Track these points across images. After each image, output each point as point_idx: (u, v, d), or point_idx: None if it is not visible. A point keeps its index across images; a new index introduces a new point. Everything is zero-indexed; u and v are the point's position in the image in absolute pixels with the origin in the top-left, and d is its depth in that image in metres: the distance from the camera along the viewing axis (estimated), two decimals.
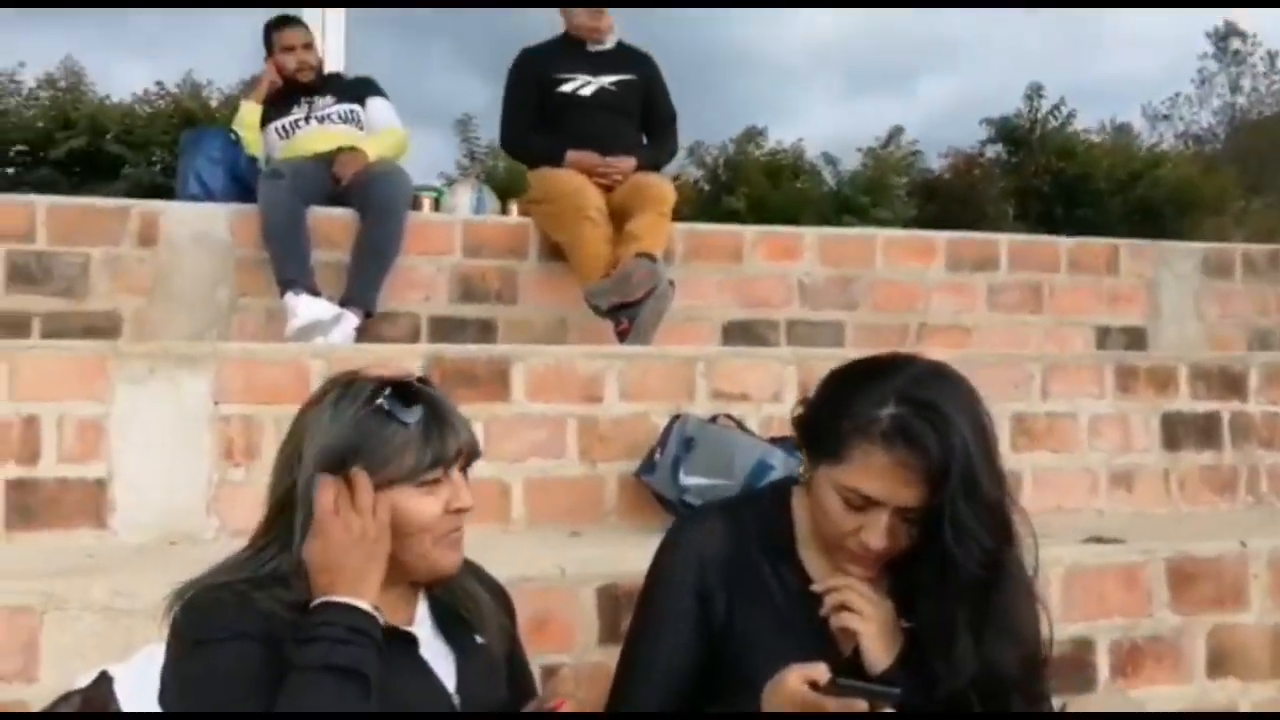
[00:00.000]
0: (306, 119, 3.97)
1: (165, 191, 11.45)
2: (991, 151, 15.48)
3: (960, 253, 4.19)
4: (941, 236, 4.22)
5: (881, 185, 14.58)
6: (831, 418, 1.34)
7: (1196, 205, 15.04)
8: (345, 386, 1.29)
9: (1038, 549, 1.41)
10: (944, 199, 13.96)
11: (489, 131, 14.54)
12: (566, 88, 3.90)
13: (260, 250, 3.49)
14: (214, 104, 12.43)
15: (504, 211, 4.23)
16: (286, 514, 1.27)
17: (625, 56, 4.05)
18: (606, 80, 3.94)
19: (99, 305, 3.40)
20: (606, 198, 3.64)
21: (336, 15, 4.51)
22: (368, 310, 3.43)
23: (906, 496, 1.29)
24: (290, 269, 3.35)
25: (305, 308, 3.22)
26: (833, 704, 1.19)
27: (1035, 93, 15.22)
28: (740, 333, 3.92)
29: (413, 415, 1.25)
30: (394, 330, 3.62)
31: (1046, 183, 14.20)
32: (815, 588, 1.41)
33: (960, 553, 1.26)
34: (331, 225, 3.59)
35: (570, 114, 3.88)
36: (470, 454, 1.32)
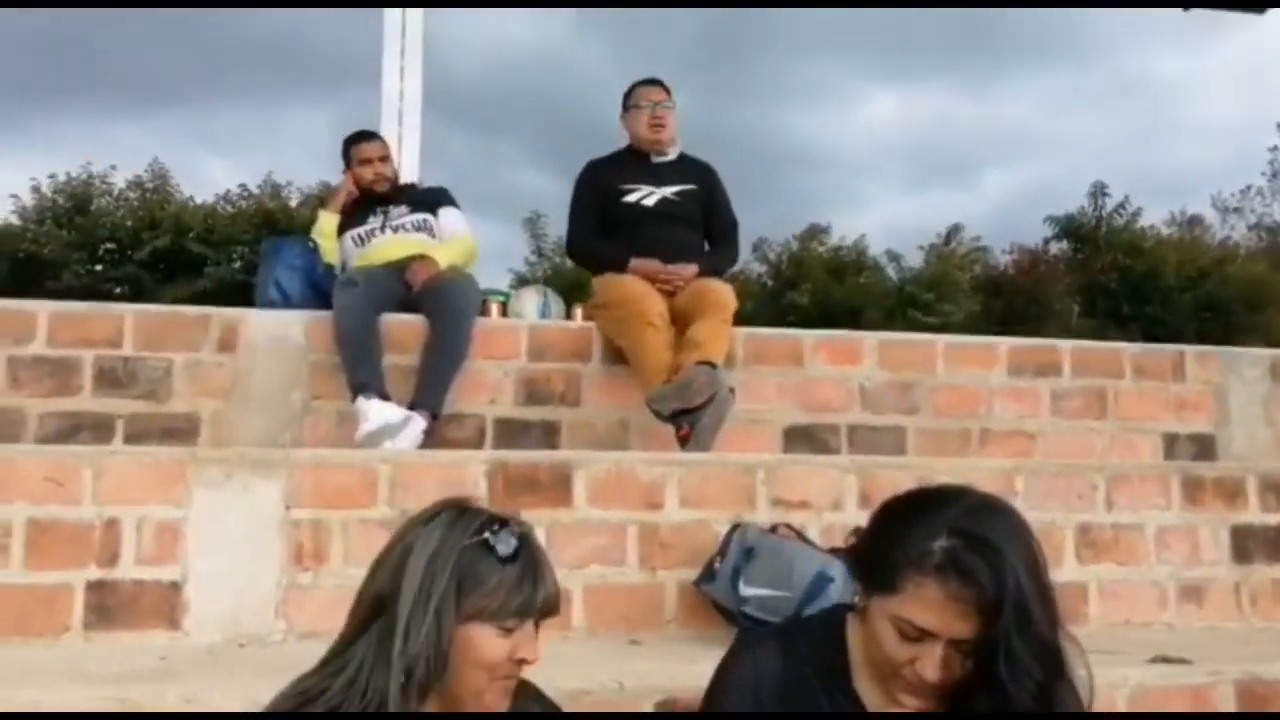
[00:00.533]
0: (381, 228, 4.13)
1: (246, 289, 11.92)
2: (1056, 248, 15.55)
3: (1022, 358, 4.19)
4: (1003, 342, 4.22)
5: (945, 281, 14.64)
6: (885, 550, 1.37)
7: (1268, 302, 14.83)
8: (459, 513, 1.35)
9: (1093, 681, 1.40)
10: (1009, 295, 13.96)
11: (556, 229, 15.07)
12: (631, 197, 4.03)
13: (333, 355, 3.62)
14: (293, 203, 13.00)
15: (569, 316, 4.33)
16: (382, 619, 1.31)
17: (687, 167, 4.17)
18: (669, 190, 4.05)
19: (179, 408, 3.53)
20: (669, 303, 3.72)
21: (412, 128, 4.72)
22: (435, 413, 3.52)
23: (960, 629, 1.30)
24: (362, 374, 3.46)
25: (376, 412, 3.32)
26: None
27: (1100, 190, 15.30)
28: (801, 437, 3.94)
29: (514, 560, 1.30)
30: (460, 432, 3.70)
31: (1113, 279, 14.14)
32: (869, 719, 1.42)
33: (1014, 686, 1.26)
34: (402, 331, 3.71)
35: (634, 223, 3.99)
36: (551, 610, 1.36)
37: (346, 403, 3.58)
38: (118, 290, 12.17)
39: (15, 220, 13.30)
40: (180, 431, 3.52)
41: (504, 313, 4.27)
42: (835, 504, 2.87)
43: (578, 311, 4.26)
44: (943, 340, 4.18)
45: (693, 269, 3.88)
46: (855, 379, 4.04)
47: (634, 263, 3.87)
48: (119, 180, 13.15)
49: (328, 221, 4.15)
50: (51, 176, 13.27)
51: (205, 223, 12.47)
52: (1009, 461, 3.27)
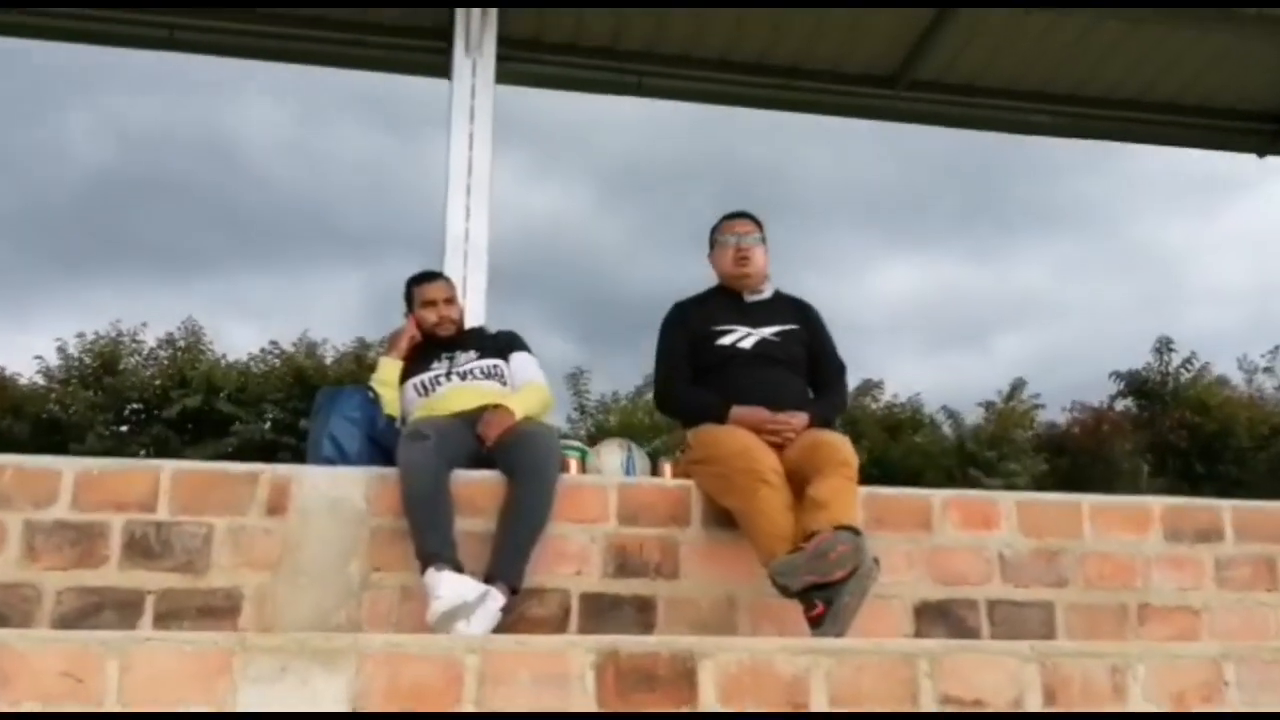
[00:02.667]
0: (447, 375, 3.75)
1: (273, 449, 11.58)
2: (1121, 405, 15.04)
3: (1179, 521, 3.70)
4: (1156, 503, 3.74)
5: (1005, 439, 14.15)
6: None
7: None
8: None
9: None
10: (1074, 454, 13.42)
11: (598, 386, 14.77)
12: (725, 340, 3.64)
13: (397, 519, 3.18)
14: (328, 361, 12.76)
15: (654, 473, 3.88)
16: None
17: (784, 305, 3.80)
18: (768, 331, 3.67)
19: (219, 581, 3.08)
20: (779, 458, 3.28)
21: (478, 269, 4.40)
22: (514, 587, 3.06)
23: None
24: (432, 541, 3.01)
25: (449, 587, 2.86)
26: None
27: (1165, 346, 14.88)
28: (935, 614, 3.43)
29: None
30: (541, 609, 3.23)
31: (1183, 438, 13.59)
32: None
33: None
34: (475, 490, 3.28)
35: (731, 367, 3.60)
36: None
37: (412, 575, 3.13)
38: (142, 453, 11.85)
39: (40, 381, 13.09)
40: (219, 611, 3.06)
41: (582, 470, 3.84)
42: (1015, 701, 2.36)
43: (666, 468, 3.81)
44: (1087, 501, 3.70)
45: (803, 418, 3.46)
46: (993, 546, 3.55)
47: (736, 411, 3.46)
48: (149, 339, 13.01)
49: (389, 369, 3.77)
50: (79, 336, 13.14)
51: (237, 381, 12.20)
52: (1214, 646, 2.74)
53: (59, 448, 11.42)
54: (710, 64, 6.95)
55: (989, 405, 13.66)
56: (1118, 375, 14.28)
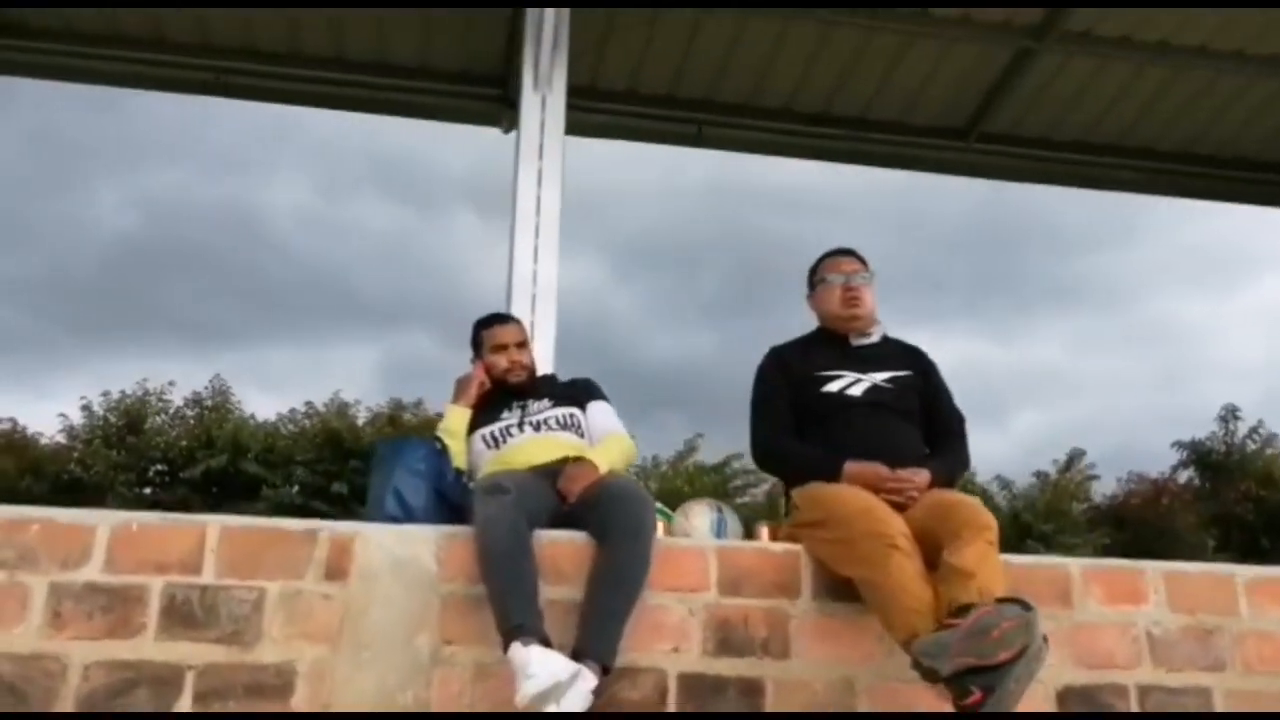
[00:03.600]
0: (520, 425, 3.40)
1: (307, 512, 11.17)
2: (1184, 476, 14.52)
3: None
4: None
5: (1059, 511, 13.63)
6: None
7: None
8: None
9: None
10: (1133, 526, 12.87)
11: (644, 448, 14.39)
12: (832, 387, 3.28)
13: (471, 584, 2.81)
14: (360, 421, 12.45)
15: (748, 537, 3.49)
16: None
17: (895, 350, 3.45)
18: (879, 377, 3.31)
19: (270, 656, 2.70)
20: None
21: (547, 315, 4.07)
22: (607, 666, 2.67)
23: None
24: (518, 611, 2.64)
25: (540, 665, 2.47)
26: None
27: (1231, 414, 14.35)
28: (1080, 700, 3.01)
29: None
30: (634, 691, 2.83)
31: (1249, 510, 13.04)
32: None
33: None
34: (558, 552, 2.90)
35: (840, 418, 3.24)
36: None
37: (488, 650, 2.75)
38: None
39: (62, 439, 12.79)
40: (269, 689, 2.68)
41: (667, 534, 3.45)
42: None
43: (763, 532, 3.42)
44: (1239, 574, 3.29)
45: (925, 475, 3.09)
46: (1140, 623, 3.14)
47: (851, 468, 3.09)
48: (176, 398, 12.72)
49: (457, 418, 3.43)
50: (104, 394, 12.87)
51: (265, 441, 11.85)
52: None
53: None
54: (772, 113, 6.69)
55: (1042, 475, 13.17)
56: (1180, 445, 13.77)
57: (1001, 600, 2.45)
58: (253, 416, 12.50)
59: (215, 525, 2.80)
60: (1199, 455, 13.83)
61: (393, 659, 2.75)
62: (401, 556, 2.84)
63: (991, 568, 2.67)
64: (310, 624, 2.74)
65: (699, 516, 3.45)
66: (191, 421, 12.44)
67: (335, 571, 2.80)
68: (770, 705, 2.88)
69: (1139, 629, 3.13)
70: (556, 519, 3.01)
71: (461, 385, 3.53)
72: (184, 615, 2.70)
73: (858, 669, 2.93)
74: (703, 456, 13.54)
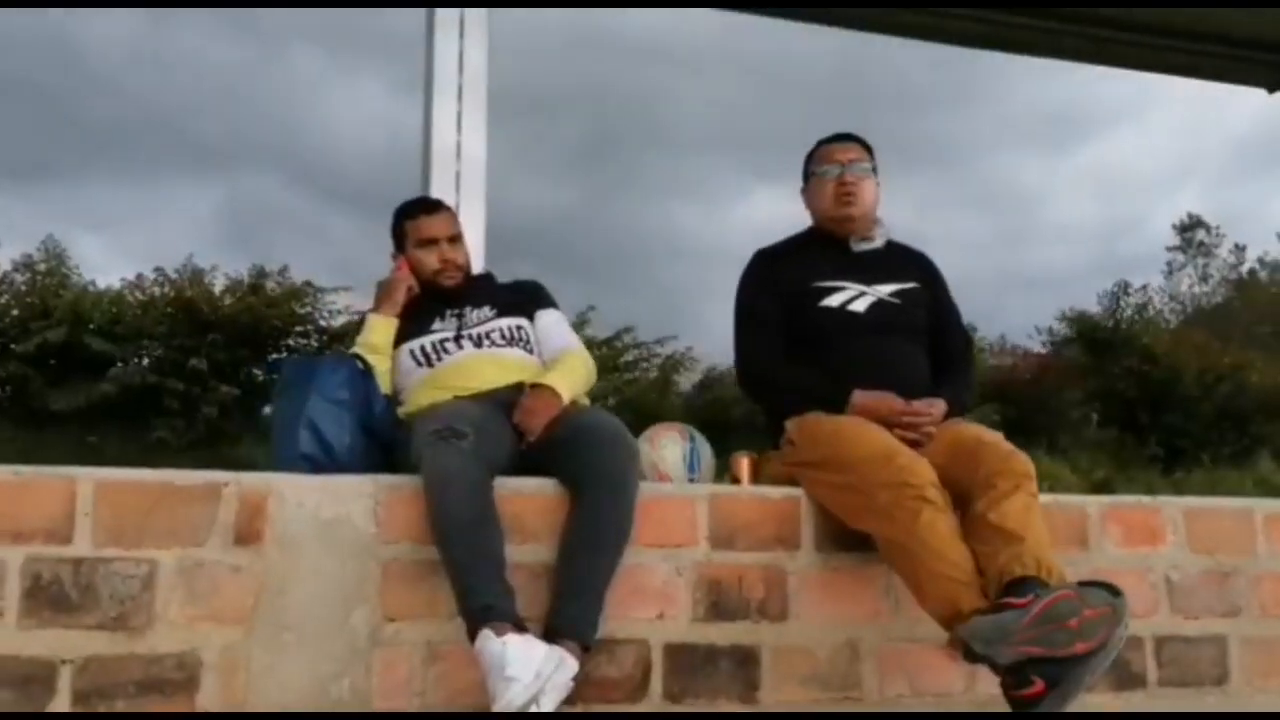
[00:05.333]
0: (457, 339, 2.88)
1: (161, 394, 10.30)
2: (1068, 352, 14.82)
3: None
4: None
5: None
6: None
7: None
8: None
9: None
10: (1019, 402, 13.08)
11: None
12: (831, 301, 2.86)
13: (418, 547, 2.34)
14: (218, 290, 11.50)
15: (724, 472, 3.07)
16: None
17: (901, 258, 3.04)
18: (884, 290, 2.90)
19: (167, 644, 2.19)
20: None
21: (475, 197, 3.50)
22: (586, 644, 2.26)
23: None
24: (485, 589, 2.19)
25: (521, 662, 2.04)
26: None
27: (1122, 290, 14.64)
28: None
29: None
30: (613, 668, 2.44)
31: (1131, 385, 13.41)
32: None
33: None
34: (522, 507, 2.45)
35: (840, 338, 2.83)
36: None
37: (440, 625, 2.31)
38: None
39: None
40: (169, 685, 2.18)
41: None
42: None
43: (743, 464, 3.01)
44: (1261, 508, 3.06)
45: (941, 406, 2.72)
46: (1159, 567, 2.89)
47: (860, 399, 2.70)
48: (3, 260, 11.45)
49: (381, 330, 2.88)
50: None
51: (110, 312, 10.81)
52: None
53: None
54: None
55: None
56: (1067, 318, 14.02)
57: (1086, 584, 2.12)
58: (93, 284, 11.39)
59: (88, 480, 2.23)
60: (1084, 330, 14.14)
61: (323, 642, 2.28)
62: (330, 515, 2.34)
63: (1039, 528, 2.34)
64: (217, 603, 2.23)
65: (668, 447, 3.00)
66: (23, 288, 11.27)
67: (246, 536, 2.28)
68: (767, 675, 2.52)
69: (1157, 574, 2.89)
70: (514, 461, 2.54)
71: (384, 290, 2.97)
72: (55, 598, 2.15)
73: (862, 629, 2.60)
74: (594, 331, 13.07)
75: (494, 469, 2.40)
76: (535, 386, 2.68)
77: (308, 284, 11.32)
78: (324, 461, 2.54)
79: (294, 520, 2.31)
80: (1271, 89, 7.82)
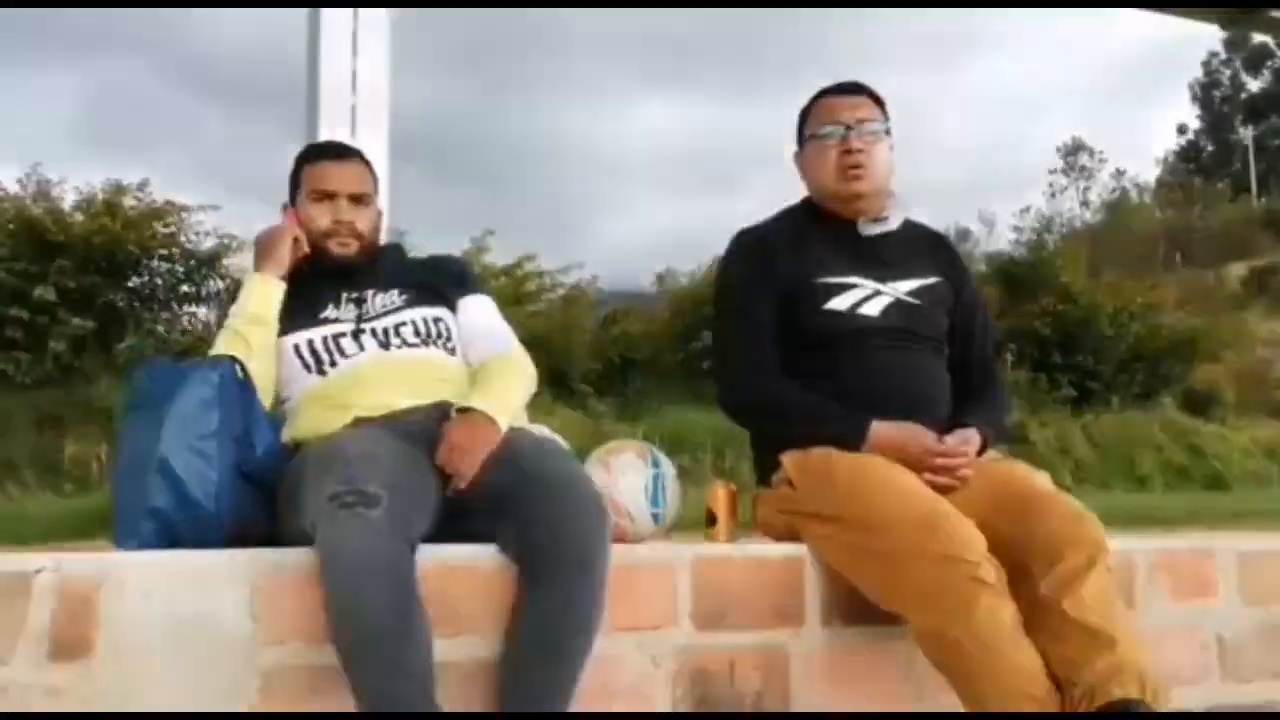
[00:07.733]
0: (355, 334, 2.25)
1: (2, 328, 9.25)
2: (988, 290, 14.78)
3: None
4: None
5: None
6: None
7: (1194, 354, 14.42)
8: None
9: None
10: None
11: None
12: (839, 302, 2.31)
13: (313, 650, 1.76)
14: (68, 206, 10.36)
15: (687, 504, 2.52)
16: None
17: (918, 244, 2.50)
18: (903, 288, 2.37)
19: None
20: None
21: (376, 134, 2.83)
22: None
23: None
24: (400, 696, 1.62)
25: None
26: None
27: (1045, 228, 14.54)
28: None
29: None
30: None
31: (1046, 324, 13.31)
32: None
33: None
34: (451, 584, 1.88)
35: (849, 349, 2.29)
36: None
37: None
38: None
39: None
40: None
41: None
42: None
43: (719, 494, 2.47)
44: None
45: (975, 442, 2.22)
46: (1208, 626, 2.48)
47: (881, 432, 2.17)
48: None
49: (263, 295, 2.23)
50: None
51: None
52: None
53: None
54: None
55: None
56: (989, 258, 13.92)
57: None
58: None
59: None
60: (1001, 268, 14.05)
61: None
62: (189, 610, 1.73)
63: (1126, 622, 1.87)
64: None
65: (627, 474, 2.42)
66: None
67: (69, 645, 1.66)
68: None
69: (1208, 633, 2.48)
70: (439, 516, 1.96)
71: (266, 243, 2.29)
72: None
73: None
74: (494, 258, 12.34)
75: (415, 541, 1.82)
76: (464, 411, 2.08)
77: (170, 202, 10.25)
78: (179, 519, 1.91)
79: (137, 620, 1.70)
80: (1224, 26, 7.63)
